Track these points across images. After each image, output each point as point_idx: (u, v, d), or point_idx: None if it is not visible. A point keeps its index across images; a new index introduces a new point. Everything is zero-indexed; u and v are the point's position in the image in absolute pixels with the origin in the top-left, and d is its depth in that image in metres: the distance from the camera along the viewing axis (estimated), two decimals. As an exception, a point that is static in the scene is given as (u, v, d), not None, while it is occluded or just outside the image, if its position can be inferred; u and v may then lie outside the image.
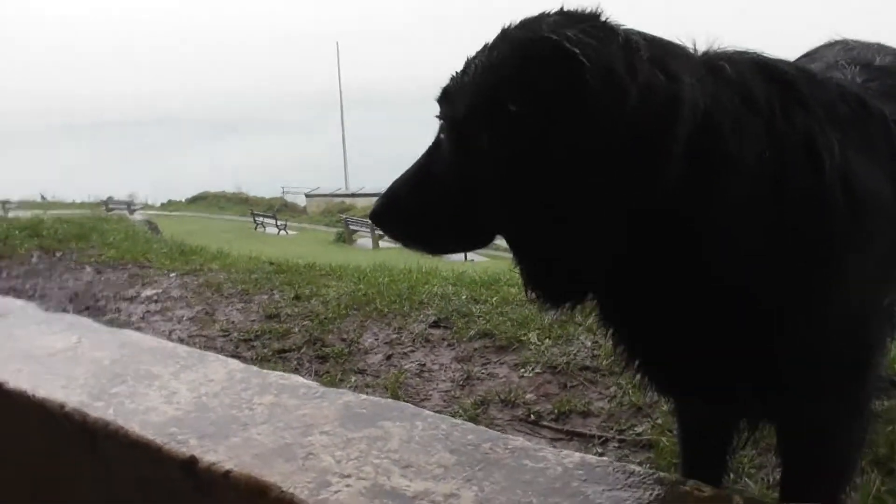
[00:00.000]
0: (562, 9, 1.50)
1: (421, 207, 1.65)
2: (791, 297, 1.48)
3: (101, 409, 2.07)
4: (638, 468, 1.57)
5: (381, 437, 1.82)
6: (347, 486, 1.59)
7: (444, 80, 1.63)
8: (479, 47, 1.57)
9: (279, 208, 43.15)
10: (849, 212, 1.49)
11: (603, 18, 1.47)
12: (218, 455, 1.76)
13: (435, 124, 1.66)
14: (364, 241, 32.13)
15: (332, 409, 2.00)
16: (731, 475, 2.40)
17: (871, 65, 1.94)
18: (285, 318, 4.46)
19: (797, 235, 1.44)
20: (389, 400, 2.07)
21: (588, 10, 1.48)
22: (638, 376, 1.76)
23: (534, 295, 1.60)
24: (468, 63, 1.56)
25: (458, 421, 1.87)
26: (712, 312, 1.48)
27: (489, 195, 1.50)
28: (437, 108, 1.65)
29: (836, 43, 2.26)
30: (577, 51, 1.34)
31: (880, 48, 2.13)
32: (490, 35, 1.58)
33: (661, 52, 1.43)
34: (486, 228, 1.63)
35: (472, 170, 1.51)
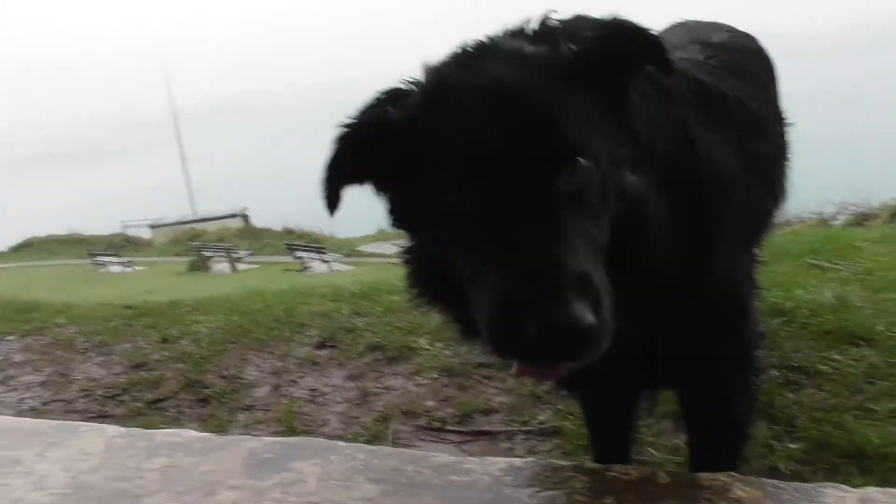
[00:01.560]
0: None
1: None
2: (686, 272, 1.55)
3: (-44, 512, 1.79)
4: (564, 463, 1.57)
5: (295, 480, 1.69)
6: (271, 543, 1.46)
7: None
8: None
9: (121, 244, 40.20)
10: (716, 190, 1.59)
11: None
12: (112, 539, 1.57)
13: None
14: (221, 266, 30.70)
15: (235, 460, 1.84)
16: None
17: (709, 42, 2.08)
18: (154, 364, 4.12)
19: (687, 211, 1.49)
20: (297, 438, 1.94)
21: None
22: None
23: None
24: None
25: (376, 447, 1.78)
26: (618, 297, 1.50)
27: None
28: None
29: (679, 25, 2.40)
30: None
31: (716, 26, 2.30)
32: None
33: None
34: None
35: None
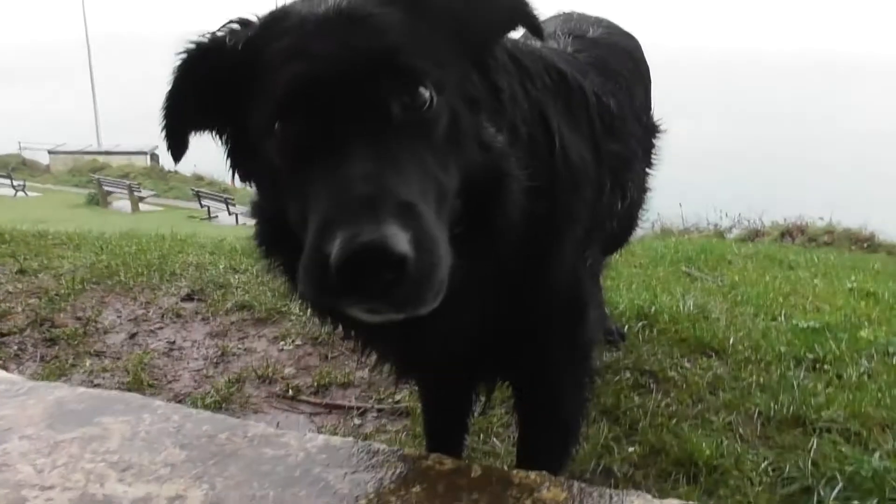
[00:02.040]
0: None
1: None
2: (528, 261, 1.53)
3: None
4: (382, 447, 1.54)
5: (97, 436, 1.59)
6: (48, 500, 1.36)
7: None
8: None
9: (15, 166, 37.52)
10: (567, 180, 1.57)
11: None
12: None
13: None
14: (121, 203, 29.20)
15: (39, 408, 1.71)
16: (481, 436, 2.52)
17: (584, 36, 2.08)
18: (5, 295, 3.83)
19: (538, 201, 1.46)
20: (115, 392, 1.83)
21: None
22: (375, 363, 1.74)
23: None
24: None
25: (194, 410, 1.70)
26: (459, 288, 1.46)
27: None
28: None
29: (561, 14, 2.39)
30: None
31: (598, 21, 2.30)
32: None
33: None
34: None
35: None
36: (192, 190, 28.84)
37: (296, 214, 1.20)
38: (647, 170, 2.27)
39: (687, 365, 3.05)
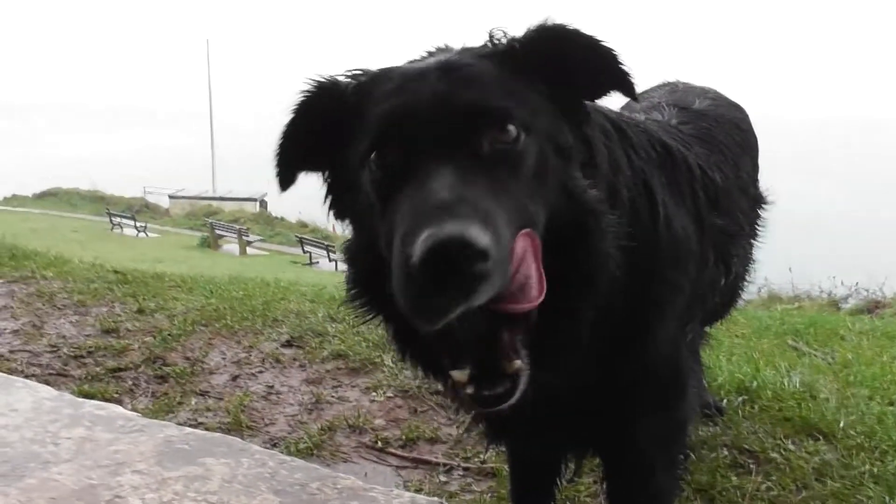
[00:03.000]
0: None
1: None
2: (626, 331, 1.53)
3: None
4: (466, 508, 1.55)
5: (200, 476, 1.69)
6: (154, 535, 1.45)
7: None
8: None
9: (139, 209, 40.59)
10: (670, 252, 1.57)
11: None
12: (8, 500, 1.57)
13: None
14: (230, 247, 30.88)
15: (150, 445, 1.84)
16: (567, 504, 2.46)
17: (689, 108, 2.07)
18: (124, 333, 4.13)
19: (639, 271, 1.47)
20: (218, 434, 1.94)
21: None
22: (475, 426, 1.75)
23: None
24: None
25: (288, 458, 1.78)
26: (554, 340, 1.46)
27: None
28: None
29: (666, 84, 2.40)
30: None
31: (703, 92, 2.28)
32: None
33: None
34: None
35: None
36: (296, 236, 30.19)
37: (385, 242, 1.27)
38: (753, 242, 2.22)
39: (791, 447, 2.87)
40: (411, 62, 1.43)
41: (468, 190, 1.14)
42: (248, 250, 29.98)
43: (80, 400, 2.01)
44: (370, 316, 1.51)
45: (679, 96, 2.19)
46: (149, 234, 33.65)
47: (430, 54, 1.44)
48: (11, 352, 3.91)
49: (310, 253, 27.49)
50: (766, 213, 2.36)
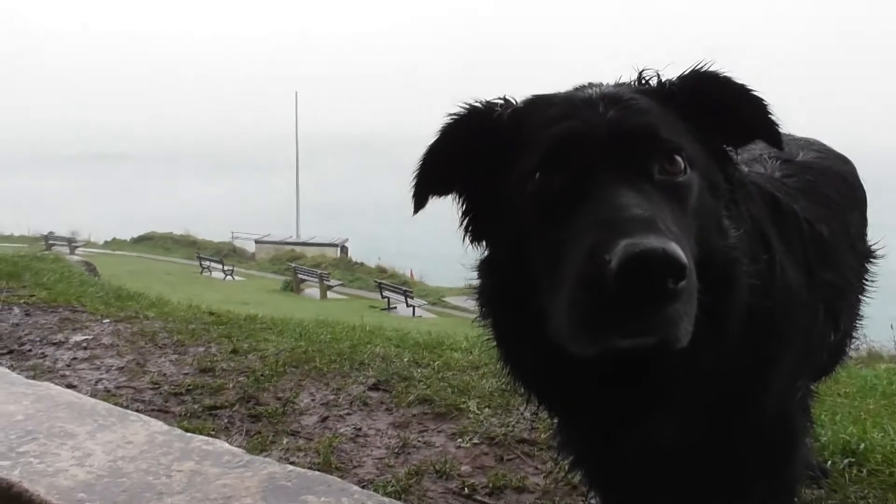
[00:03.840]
0: None
1: None
2: (744, 382, 1.50)
3: (5, 469, 1.95)
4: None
5: (303, 513, 1.74)
6: (263, 569, 1.51)
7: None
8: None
9: (227, 253, 42.42)
10: (785, 303, 1.55)
11: None
12: (127, 528, 1.66)
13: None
14: (312, 290, 31.73)
15: (254, 480, 1.92)
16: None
17: (792, 160, 2.04)
18: (220, 372, 4.32)
19: (755, 322, 1.45)
20: (317, 473, 2.00)
21: None
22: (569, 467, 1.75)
23: None
24: None
25: (386, 500, 1.81)
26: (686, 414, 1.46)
27: None
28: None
29: None
30: None
31: (807, 143, 2.24)
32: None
33: None
34: None
35: None
36: (375, 281, 30.76)
37: (542, 263, 1.27)
38: (861, 297, 2.14)
39: (904, 514, 2.69)
40: (565, 92, 1.46)
41: (656, 210, 1.16)
42: (329, 294, 30.72)
43: (189, 435, 2.11)
44: (495, 325, 1.52)
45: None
46: (235, 277, 35.03)
47: (579, 89, 1.46)
48: (118, 387, 4.14)
49: (388, 298, 27.92)
50: (875, 268, 2.27)
